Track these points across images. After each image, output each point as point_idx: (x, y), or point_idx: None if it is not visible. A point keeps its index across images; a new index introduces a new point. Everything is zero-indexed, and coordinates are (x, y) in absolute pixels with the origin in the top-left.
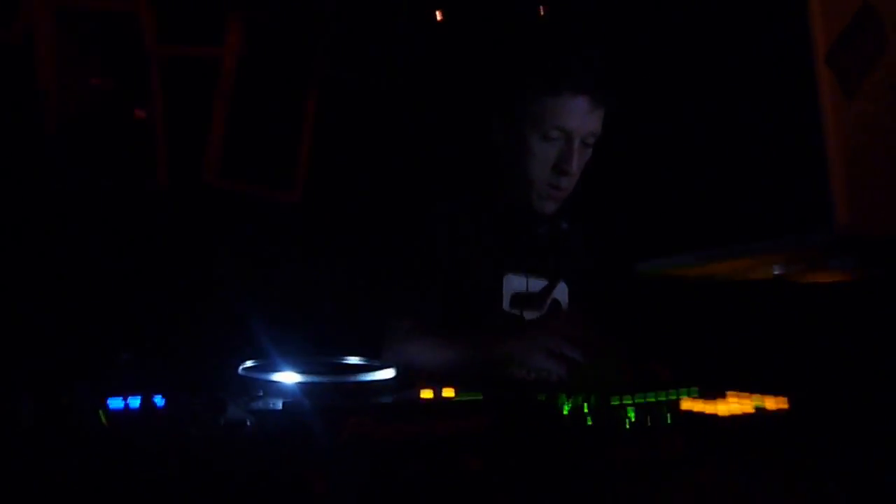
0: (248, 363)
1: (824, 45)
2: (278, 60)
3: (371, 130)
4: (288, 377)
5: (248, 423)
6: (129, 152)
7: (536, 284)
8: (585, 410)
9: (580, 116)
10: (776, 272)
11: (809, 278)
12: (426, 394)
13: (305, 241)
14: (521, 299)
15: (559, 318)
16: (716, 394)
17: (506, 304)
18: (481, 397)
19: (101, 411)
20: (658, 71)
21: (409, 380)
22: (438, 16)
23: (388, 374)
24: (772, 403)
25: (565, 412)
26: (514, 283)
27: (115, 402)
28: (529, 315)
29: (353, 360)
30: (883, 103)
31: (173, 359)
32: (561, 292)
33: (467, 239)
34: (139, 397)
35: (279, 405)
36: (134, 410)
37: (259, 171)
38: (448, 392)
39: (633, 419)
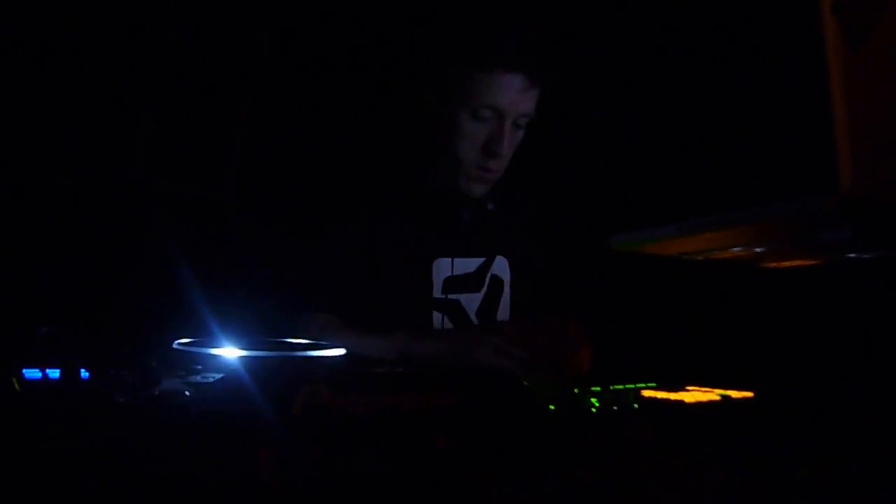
0: (184, 339)
1: None
2: (213, 53)
3: (297, 117)
4: (228, 352)
5: (186, 394)
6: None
7: (471, 264)
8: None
9: (513, 95)
10: (758, 250)
11: (786, 262)
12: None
13: (232, 229)
14: (455, 282)
15: (506, 321)
16: (675, 387)
17: (437, 291)
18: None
19: (14, 378)
20: (637, 22)
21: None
22: None
23: (338, 351)
24: (736, 395)
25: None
26: (445, 268)
27: (32, 373)
28: (468, 298)
29: (295, 340)
30: (889, 57)
31: (99, 335)
32: (501, 269)
33: (390, 225)
34: (59, 370)
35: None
36: (53, 380)
37: (189, 168)
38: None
39: (597, 405)
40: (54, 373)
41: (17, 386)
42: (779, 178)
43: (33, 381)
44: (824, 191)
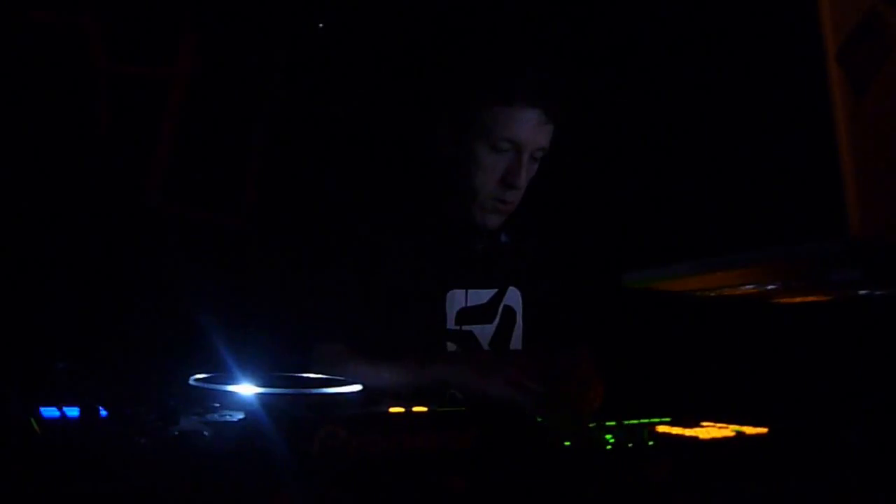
0: (200, 375)
1: (835, 42)
2: (229, 83)
3: (313, 147)
4: (245, 389)
5: (205, 434)
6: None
7: (483, 295)
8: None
9: (532, 129)
10: (769, 287)
11: (798, 297)
12: (395, 411)
13: (247, 258)
14: (469, 314)
15: (518, 352)
16: (691, 422)
17: (451, 323)
18: (463, 410)
19: (32, 419)
20: (654, 63)
21: (373, 398)
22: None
23: (353, 388)
24: (750, 430)
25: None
26: (459, 299)
27: (50, 412)
28: (481, 329)
29: (311, 375)
30: (890, 105)
31: (114, 370)
32: (514, 300)
33: (404, 256)
34: (77, 407)
35: (237, 417)
36: (72, 420)
37: (204, 195)
38: (419, 410)
39: (612, 441)
40: (72, 411)
41: (36, 427)
42: (789, 220)
43: (52, 421)
44: (833, 234)
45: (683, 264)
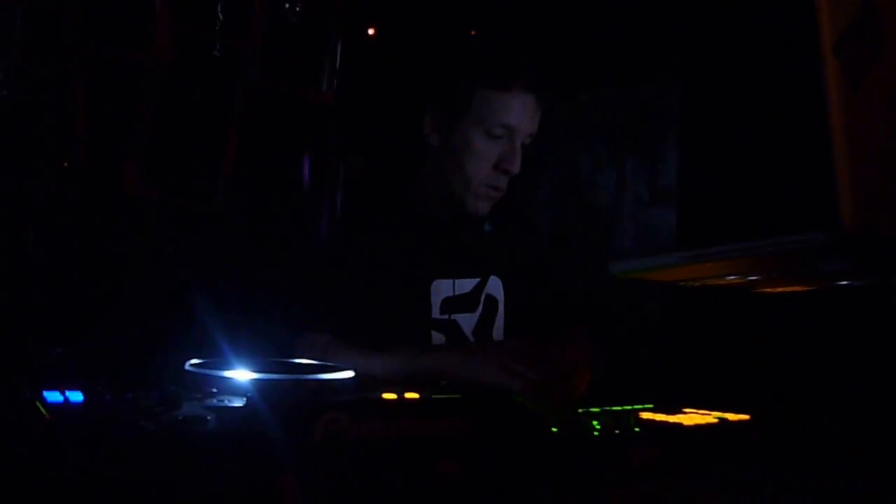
0: (195, 360)
1: (831, 36)
2: (205, 69)
3: (292, 134)
4: (242, 374)
5: (209, 419)
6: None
7: (466, 285)
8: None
9: (526, 114)
10: (753, 278)
11: (780, 287)
12: (389, 396)
13: (231, 246)
14: (453, 302)
15: (509, 340)
16: (673, 410)
17: (436, 312)
18: (458, 397)
19: (39, 403)
20: (650, 53)
21: (367, 384)
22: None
23: (348, 374)
24: (733, 417)
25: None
26: (444, 288)
27: (53, 396)
28: (464, 318)
29: (305, 361)
30: (884, 100)
31: (106, 356)
32: (496, 289)
33: (390, 245)
34: (80, 392)
35: (237, 402)
36: (75, 404)
37: (181, 181)
38: (412, 396)
39: (599, 428)
40: (76, 395)
41: (44, 412)
42: (782, 212)
43: (55, 406)
44: (826, 225)
45: (674, 254)
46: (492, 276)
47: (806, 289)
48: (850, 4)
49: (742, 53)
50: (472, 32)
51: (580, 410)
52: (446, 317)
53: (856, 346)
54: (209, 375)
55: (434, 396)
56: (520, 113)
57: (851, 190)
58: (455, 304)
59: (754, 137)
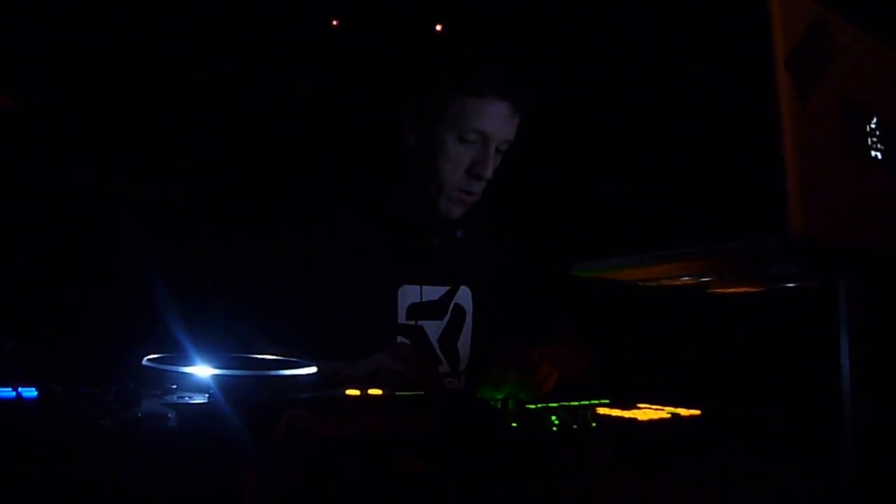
0: (153, 355)
1: (783, 50)
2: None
3: (272, 133)
4: (203, 370)
5: (169, 416)
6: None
7: (435, 292)
8: (509, 411)
9: (500, 121)
10: (706, 279)
11: (732, 288)
12: (352, 393)
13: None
14: (420, 309)
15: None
16: (628, 405)
17: (402, 317)
18: (420, 394)
19: None
20: (607, 62)
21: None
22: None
23: (310, 370)
24: (685, 412)
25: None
26: (412, 294)
27: (5, 392)
28: (431, 324)
29: (265, 357)
30: (832, 113)
31: (65, 350)
32: (464, 299)
33: (359, 246)
34: (34, 388)
35: (198, 399)
36: (29, 400)
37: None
38: (374, 392)
39: (557, 423)
40: (29, 392)
41: None
42: (734, 217)
43: (7, 402)
44: (776, 231)
45: (632, 257)
46: (462, 286)
47: (756, 290)
48: (801, 20)
49: (698, 66)
50: (447, 35)
51: (536, 406)
52: (412, 322)
53: (801, 345)
54: (169, 371)
55: (397, 394)
56: (494, 119)
57: (800, 199)
58: (422, 310)
59: (711, 148)
